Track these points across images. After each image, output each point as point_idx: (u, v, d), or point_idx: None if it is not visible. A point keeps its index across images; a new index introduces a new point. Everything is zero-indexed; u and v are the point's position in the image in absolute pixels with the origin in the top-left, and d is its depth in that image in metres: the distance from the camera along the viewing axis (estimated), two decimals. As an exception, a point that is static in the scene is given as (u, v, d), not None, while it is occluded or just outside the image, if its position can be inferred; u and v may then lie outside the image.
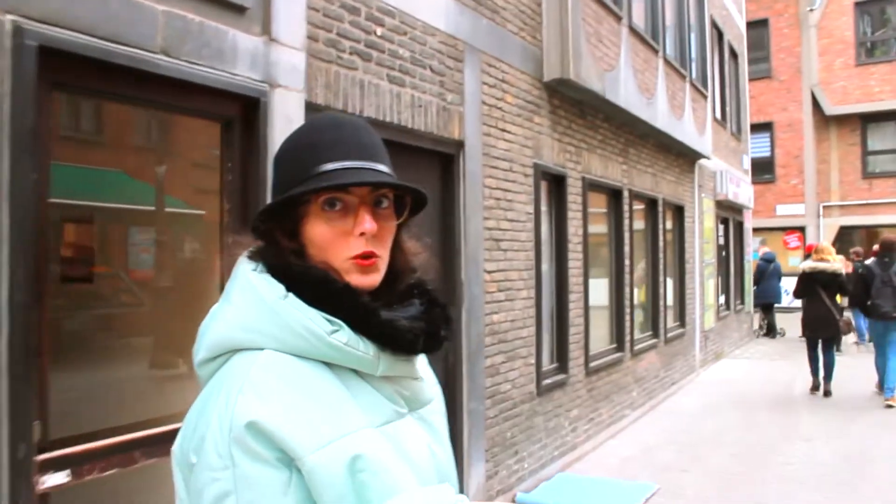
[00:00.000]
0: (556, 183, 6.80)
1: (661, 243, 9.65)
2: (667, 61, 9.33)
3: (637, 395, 8.72)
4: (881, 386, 9.35)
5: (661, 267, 9.62)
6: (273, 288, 1.10)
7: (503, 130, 5.80)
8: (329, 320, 1.08)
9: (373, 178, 1.13)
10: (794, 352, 13.99)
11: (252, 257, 1.16)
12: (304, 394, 1.03)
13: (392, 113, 4.47)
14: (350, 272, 1.14)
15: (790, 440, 7.51)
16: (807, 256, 12.60)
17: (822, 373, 9.78)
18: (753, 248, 18.55)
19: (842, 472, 6.40)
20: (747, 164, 16.32)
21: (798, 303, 10.29)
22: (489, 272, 5.50)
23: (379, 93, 4.36)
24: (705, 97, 11.42)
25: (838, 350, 9.91)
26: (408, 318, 1.15)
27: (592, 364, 7.40)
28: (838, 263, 9.77)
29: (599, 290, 8.00)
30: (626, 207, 8.35)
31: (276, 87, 3.50)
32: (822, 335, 9.64)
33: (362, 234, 1.13)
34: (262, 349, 1.06)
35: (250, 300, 1.10)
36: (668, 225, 10.37)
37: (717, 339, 12.98)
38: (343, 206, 1.14)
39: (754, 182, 20.55)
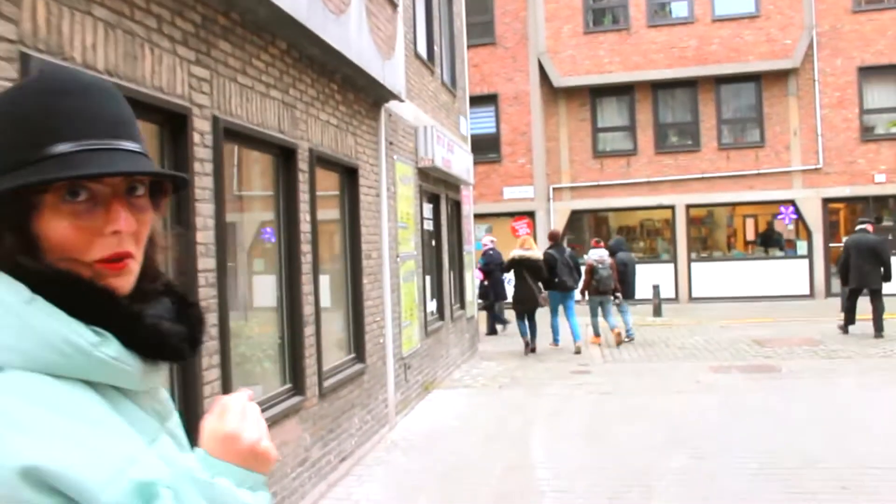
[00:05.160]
0: None
1: (306, 228, 5.49)
2: None
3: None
4: (556, 342, 12.57)
5: (305, 270, 5.47)
6: (14, 288, 0.85)
7: None
8: (94, 331, 0.86)
9: (131, 167, 0.90)
10: (527, 368, 10.79)
11: None
12: (73, 419, 0.81)
13: None
14: (98, 278, 0.90)
15: None
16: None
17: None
18: (478, 238, 15.40)
19: None
20: (466, 130, 12.87)
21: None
22: None
23: None
24: (395, 6, 7.52)
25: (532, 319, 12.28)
26: (168, 321, 0.95)
27: None
28: (539, 252, 12.37)
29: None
30: (201, 152, 4.08)
31: None
32: (528, 308, 12.13)
33: (116, 232, 0.89)
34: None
35: None
36: (328, 199, 6.30)
37: (427, 363, 9.25)
38: (90, 196, 0.89)
39: (479, 162, 17.43)
